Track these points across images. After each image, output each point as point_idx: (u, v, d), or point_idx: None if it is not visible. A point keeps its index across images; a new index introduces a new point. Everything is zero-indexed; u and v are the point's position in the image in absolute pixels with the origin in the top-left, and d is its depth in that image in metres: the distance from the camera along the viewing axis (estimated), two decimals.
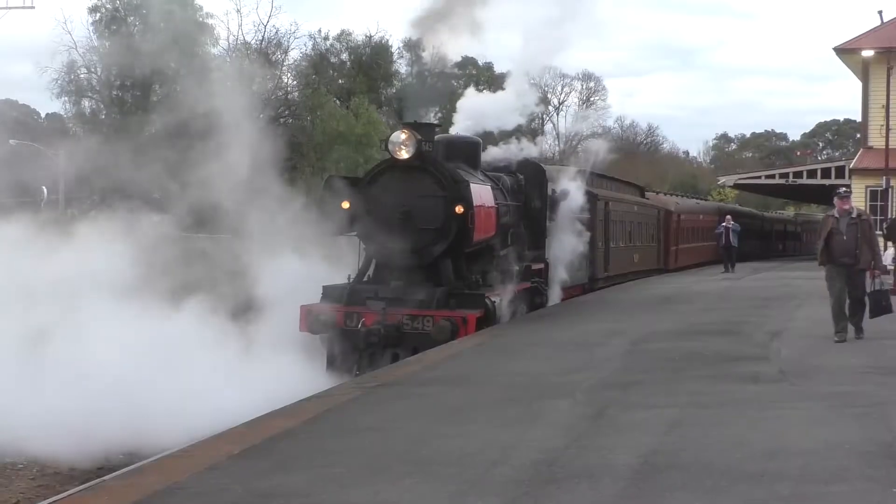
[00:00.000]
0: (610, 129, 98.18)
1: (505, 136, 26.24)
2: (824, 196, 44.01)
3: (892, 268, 29.42)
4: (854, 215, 16.39)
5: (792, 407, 11.03)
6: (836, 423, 10.17)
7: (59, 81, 58.38)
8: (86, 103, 60.27)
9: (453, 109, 24.72)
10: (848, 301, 16.34)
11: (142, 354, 16.09)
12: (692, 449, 9.05)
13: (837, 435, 9.54)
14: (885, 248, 29.14)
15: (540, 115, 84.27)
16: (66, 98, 59.58)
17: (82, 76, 59.58)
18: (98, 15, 58.44)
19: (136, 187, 21.02)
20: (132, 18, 58.00)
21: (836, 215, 16.39)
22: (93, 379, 15.31)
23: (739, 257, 43.00)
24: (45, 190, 38.29)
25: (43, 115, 78.39)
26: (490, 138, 25.44)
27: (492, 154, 24.03)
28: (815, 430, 9.79)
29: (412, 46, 62.94)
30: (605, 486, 7.95)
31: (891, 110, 34.69)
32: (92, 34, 58.74)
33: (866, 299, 16.53)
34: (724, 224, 41.35)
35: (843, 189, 17.06)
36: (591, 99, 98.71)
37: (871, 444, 9.18)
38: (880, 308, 16.58)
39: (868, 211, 39.52)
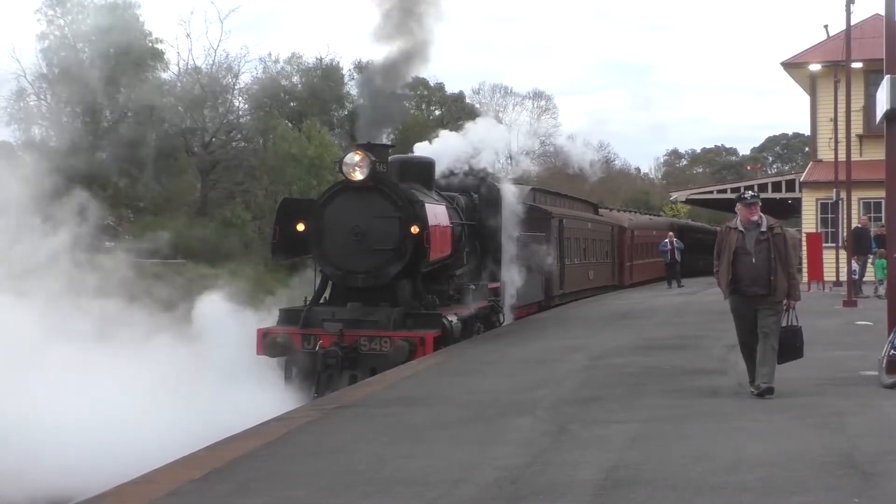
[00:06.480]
0: (562, 147, 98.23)
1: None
2: (777, 209, 44.38)
3: (857, 279, 29.78)
4: (764, 228, 12.59)
5: (751, 419, 11.08)
6: (796, 434, 10.22)
7: (7, 109, 58.02)
8: (35, 131, 59.84)
9: (406, 130, 24.87)
10: (759, 342, 12.73)
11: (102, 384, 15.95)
12: (654, 463, 9.05)
13: (797, 446, 9.58)
14: (857, 260, 29.47)
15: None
16: (16, 126, 59.19)
17: (31, 104, 59.18)
18: (46, 42, 58.09)
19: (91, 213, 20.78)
20: (81, 45, 57.67)
21: (742, 228, 12.68)
22: (39, 410, 15.09)
23: (690, 272, 43.58)
24: None
25: None
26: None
27: (446, 172, 24.05)
28: (776, 441, 9.82)
29: (363, 68, 63.00)
30: (569, 503, 7.94)
31: (839, 123, 34.88)
32: (40, 61, 58.39)
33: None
34: (667, 241, 42.21)
35: (750, 193, 12.94)
36: (542, 117, 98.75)
37: (831, 454, 9.22)
38: (791, 351, 12.83)
39: (820, 224, 40.03)
